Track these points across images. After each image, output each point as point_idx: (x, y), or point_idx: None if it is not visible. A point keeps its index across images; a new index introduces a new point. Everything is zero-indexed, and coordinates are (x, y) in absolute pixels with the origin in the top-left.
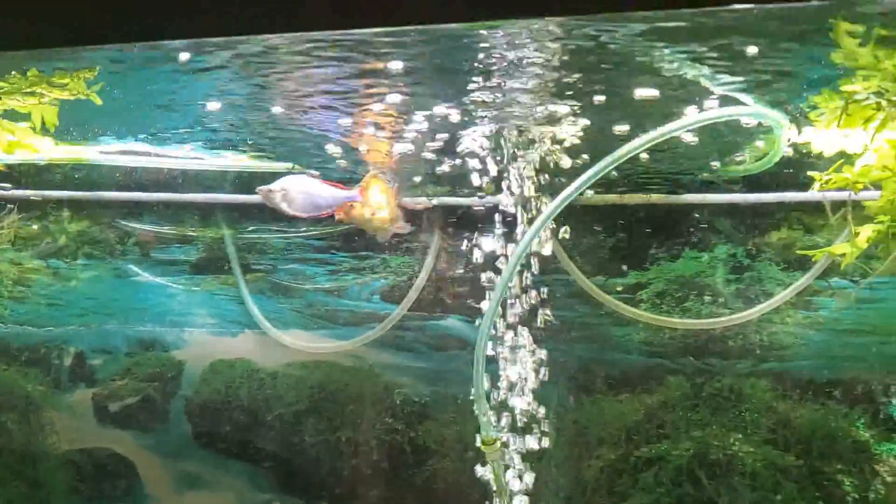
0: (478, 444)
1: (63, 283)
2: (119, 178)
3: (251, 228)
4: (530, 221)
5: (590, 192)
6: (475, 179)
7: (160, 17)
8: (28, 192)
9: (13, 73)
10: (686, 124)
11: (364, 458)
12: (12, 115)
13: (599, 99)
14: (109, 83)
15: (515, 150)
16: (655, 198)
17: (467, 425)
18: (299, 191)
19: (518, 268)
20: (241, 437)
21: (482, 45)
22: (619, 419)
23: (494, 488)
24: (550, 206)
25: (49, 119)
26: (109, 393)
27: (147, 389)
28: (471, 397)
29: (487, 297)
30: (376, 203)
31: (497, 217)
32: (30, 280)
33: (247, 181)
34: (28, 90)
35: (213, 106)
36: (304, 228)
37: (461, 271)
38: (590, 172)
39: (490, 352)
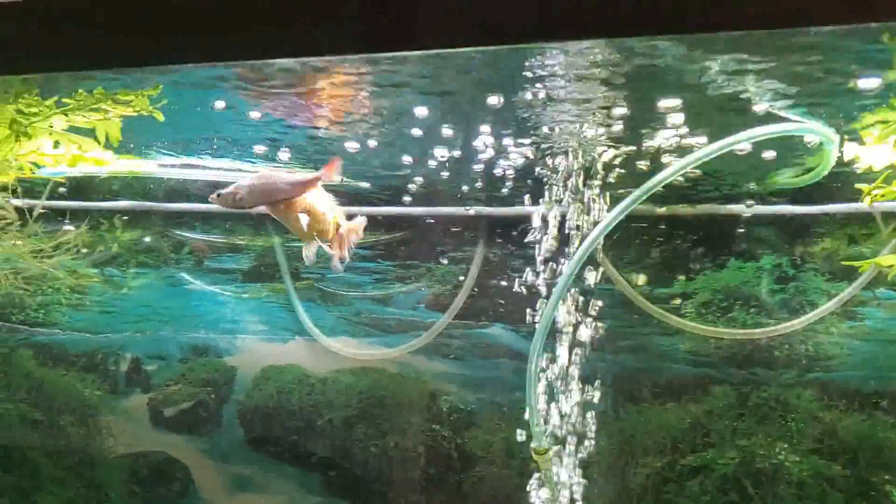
0: (530, 452)
1: (118, 291)
2: (172, 189)
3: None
4: (581, 233)
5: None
6: (522, 190)
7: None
8: (85, 203)
9: (79, 90)
10: (736, 141)
11: (412, 464)
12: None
13: (646, 112)
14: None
15: (563, 162)
16: (702, 209)
17: (514, 433)
18: (253, 184)
19: (571, 282)
20: (292, 442)
21: (526, 62)
22: (666, 428)
23: (549, 497)
24: (603, 223)
25: (113, 135)
26: (164, 398)
27: (201, 394)
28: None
29: (540, 309)
30: (308, 204)
31: (545, 227)
32: (86, 288)
33: None
34: (93, 107)
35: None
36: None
37: (506, 280)
38: (639, 191)
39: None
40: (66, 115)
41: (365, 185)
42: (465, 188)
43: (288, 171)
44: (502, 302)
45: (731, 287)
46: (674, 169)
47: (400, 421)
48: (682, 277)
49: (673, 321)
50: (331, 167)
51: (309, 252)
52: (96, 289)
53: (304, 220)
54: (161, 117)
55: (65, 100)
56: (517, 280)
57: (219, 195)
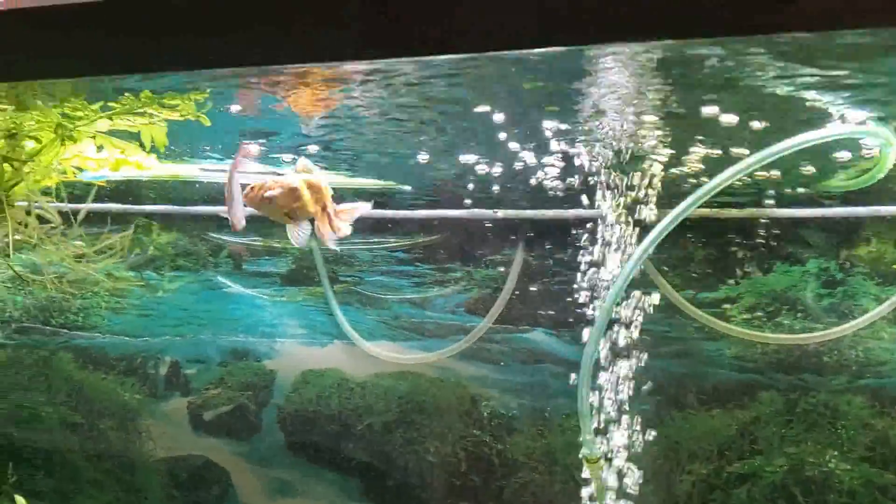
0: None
1: (157, 295)
2: (211, 193)
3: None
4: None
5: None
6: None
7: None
8: (122, 206)
9: (126, 94)
10: (792, 145)
11: (452, 470)
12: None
13: (703, 116)
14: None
15: (612, 165)
16: (747, 212)
17: (556, 439)
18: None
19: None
20: (331, 446)
21: (581, 64)
22: (711, 434)
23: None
24: (658, 227)
25: (158, 139)
26: (203, 402)
27: (240, 398)
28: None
29: (593, 314)
30: (275, 183)
31: (588, 231)
32: (125, 291)
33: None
34: (139, 110)
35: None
36: (390, 241)
37: (547, 284)
38: (698, 193)
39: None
40: (112, 119)
41: (406, 187)
42: (506, 190)
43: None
44: (544, 306)
45: (778, 291)
46: (731, 172)
47: (440, 426)
48: (726, 281)
49: (719, 326)
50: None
51: (293, 232)
52: (135, 292)
53: (274, 192)
54: (207, 122)
55: (110, 103)
56: (570, 283)
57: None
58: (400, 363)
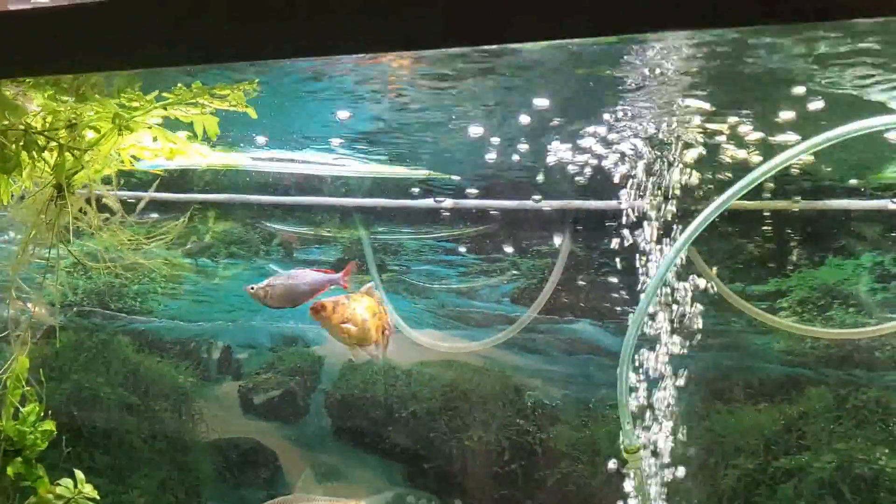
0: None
1: (211, 281)
2: (263, 182)
3: (386, 230)
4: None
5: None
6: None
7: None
8: (177, 196)
9: (178, 84)
10: (845, 133)
11: (495, 458)
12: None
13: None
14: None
15: (655, 156)
16: (800, 204)
17: (599, 430)
18: (281, 283)
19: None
20: (376, 432)
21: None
22: (758, 429)
23: (637, 496)
24: (698, 219)
25: (210, 129)
26: (254, 385)
27: (289, 383)
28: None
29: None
30: (350, 313)
31: (632, 221)
32: (180, 278)
33: (383, 186)
34: (191, 101)
35: (350, 113)
36: (436, 231)
37: (593, 275)
38: (740, 184)
39: None
40: (166, 108)
41: (455, 177)
42: (552, 180)
43: (317, 269)
44: (589, 297)
45: (830, 285)
46: (776, 161)
47: (483, 415)
48: (777, 274)
49: (768, 320)
50: (347, 272)
51: (356, 354)
52: (190, 279)
53: (351, 329)
54: (254, 114)
55: (164, 94)
56: (616, 274)
57: (252, 289)
58: (445, 352)
